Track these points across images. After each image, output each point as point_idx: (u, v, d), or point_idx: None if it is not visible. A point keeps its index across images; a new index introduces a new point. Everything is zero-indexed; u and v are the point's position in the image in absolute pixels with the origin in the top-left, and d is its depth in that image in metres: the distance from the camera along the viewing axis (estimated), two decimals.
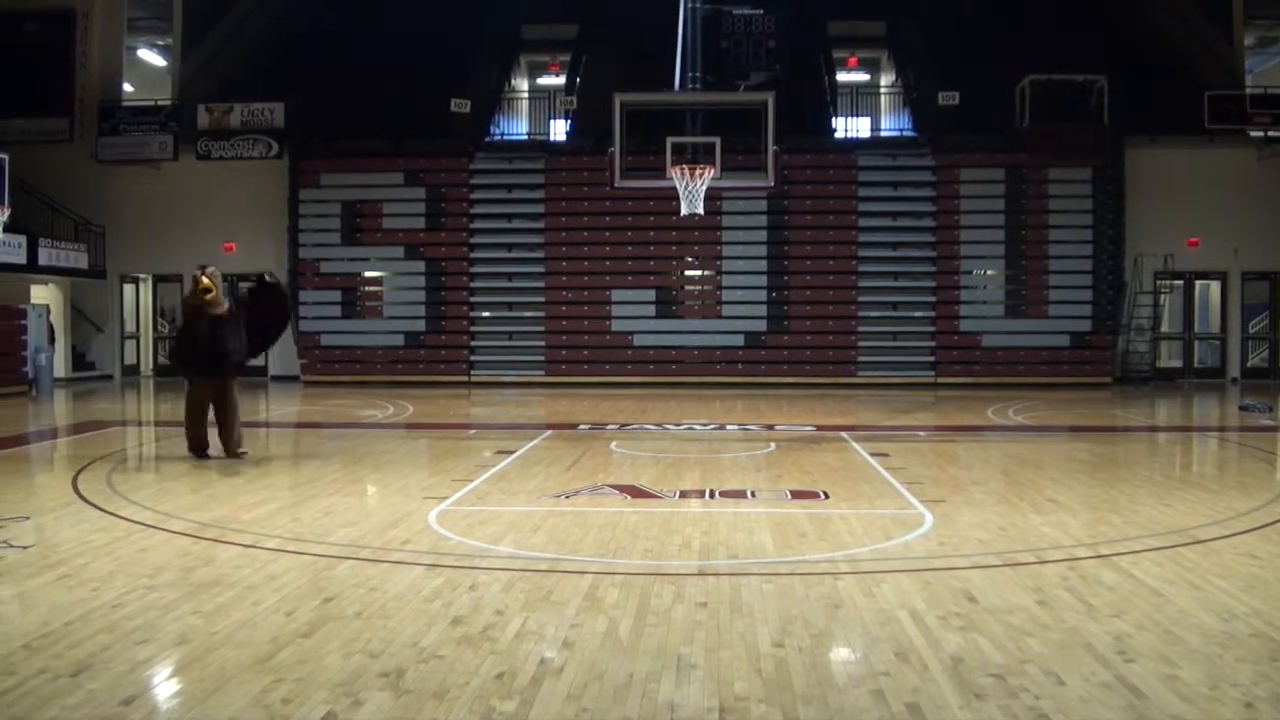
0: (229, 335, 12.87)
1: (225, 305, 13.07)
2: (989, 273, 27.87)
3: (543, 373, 27.35)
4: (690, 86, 21.30)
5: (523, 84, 32.88)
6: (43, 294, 27.42)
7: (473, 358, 27.83)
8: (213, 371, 12.87)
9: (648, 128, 21.81)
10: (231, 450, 12.89)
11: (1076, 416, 19.56)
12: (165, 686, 5.16)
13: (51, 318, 26.51)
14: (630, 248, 27.75)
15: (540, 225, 27.97)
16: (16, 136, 27.08)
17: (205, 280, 12.75)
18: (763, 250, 27.63)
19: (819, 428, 16.88)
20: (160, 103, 29.26)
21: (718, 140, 20.35)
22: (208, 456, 12.90)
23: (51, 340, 25.81)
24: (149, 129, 28.17)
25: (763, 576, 7.11)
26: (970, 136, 27.35)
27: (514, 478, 11.56)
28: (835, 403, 22.19)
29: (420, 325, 28.06)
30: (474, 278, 28.12)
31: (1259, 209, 26.87)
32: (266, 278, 14.49)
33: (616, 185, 21.02)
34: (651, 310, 27.74)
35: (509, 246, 28.08)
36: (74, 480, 11.29)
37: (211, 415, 13.10)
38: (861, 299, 27.33)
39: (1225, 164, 26.92)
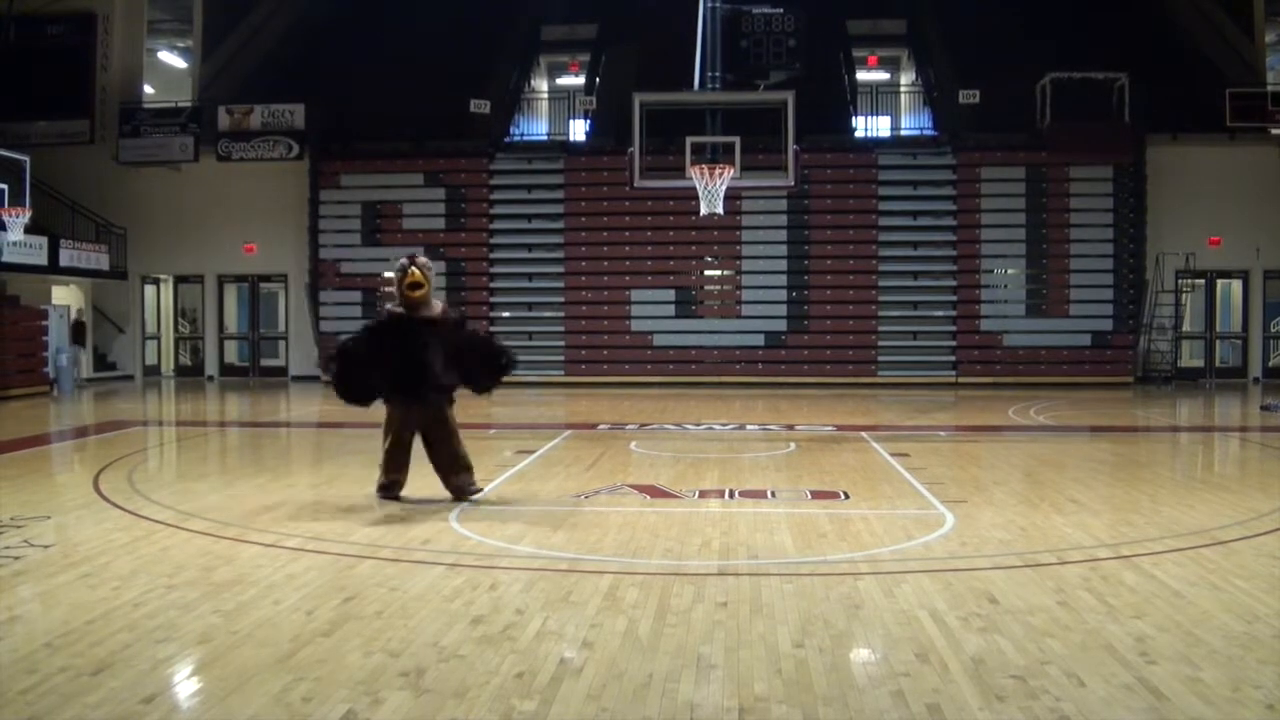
0: (435, 347, 9.96)
1: (438, 307, 10.33)
2: (1010, 272, 27.78)
3: (562, 373, 27.36)
4: (710, 86, 21.26)
5: (542, 84, 32.93)
6: (64, 295, 27.58)
7: None
8: (414, 392, 9.92)
9: (667, 127, 21.79)
10: (461, 492, 9.98)
11: (1098, 416, 19.48)
12: (186, 685, 5.19)
13: (83, 318, 26.80)
14: (650, 247, 27.74)
15: (560, 225, 28.00)
16: (38, 139, 27.34)
17: (416, 273, 10.02)
18: (782, 250, 27.59)
19: (839, 427, 16.84)
20: (181, 104, 29.43)
21: (737, 140, 20.32)
22: (398, 499, 10.04)
23: (81, 340, 26.08)
24: (170, 131, 28.32)
25: (783, 577, 7.10)
26: (991, 135, 27.29)
27: (534, 477, 11.57)
28: (855, 402, 22.14)
29: None
30: (494, 278, 28.16)
31: None
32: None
33: (636, 185, 21.01)
34: (671, 310, 27.73)
35: (529, 247, 28.12)
36: (95, 480, 11.35)
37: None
38: (882, 298, 27.27)
39: (1247, 162, 26.78)
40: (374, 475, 11.99)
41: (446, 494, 9.97)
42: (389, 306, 10.34)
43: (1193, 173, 26.71)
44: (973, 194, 27.24)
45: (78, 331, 26.41)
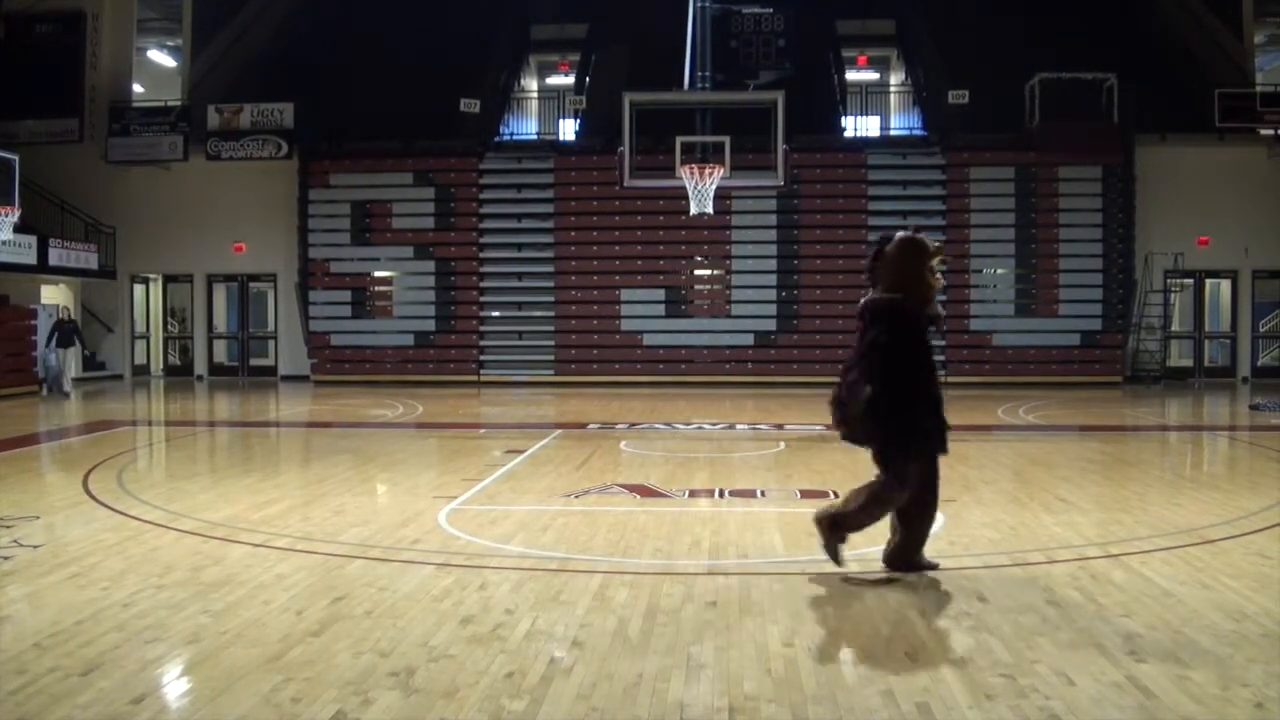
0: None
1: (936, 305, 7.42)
2: (999, 272, 27.81)
3: (552, 372, 27.36)
4: (699, 86, 21.31)
5: (532, 84, 32.90)
6: (53, 294, 27.50)
7: (482, 357, 27.85)
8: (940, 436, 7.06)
9: (657, 127, 21.84)
10: (911, 561, 7.15)
11: (1087, 416, 19.51)
12: (175, 685, 5.17)
13: (68, 316, 26.39)
14: (640, 247, 27.74)
15: (550, 225, 27.99)
16: (27, 138, 27.28)
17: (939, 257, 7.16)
18: (772, 249, 27.61)
19: (829, 427, 16.81)
20: (170, 103, 29.37)
21: (727, 139, 20.38)
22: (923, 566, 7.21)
23: (70, 342, 25.53)
24: (159, 130, 28.26)
25: (772, 576, 7.11)
26: (980, 135, 27.31)
27: (524, 477, 11.56)
28: None
29: (430, 325, 28.09)
30: (484, 277, 28.15)
31: (1269, 207, 26.78)
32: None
33: (626, 185, 21.07)
34: (661, 310, 27.73)
35: (519, 246, 28.11)
36: (84, 480, 11.31)
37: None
38: None
39: (1236, 162, 26.85)
40: (364, 475, 11.99)
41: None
42: (879, 295, 7.17)
43: (1182, 173, 26.77)
44: (962, 194, 27.28)
45: (64, 333, 24.57)
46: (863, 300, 7.25)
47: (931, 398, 7.06)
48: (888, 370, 6.90)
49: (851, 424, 7.06)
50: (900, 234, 7.27)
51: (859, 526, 7.05)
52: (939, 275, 7.29)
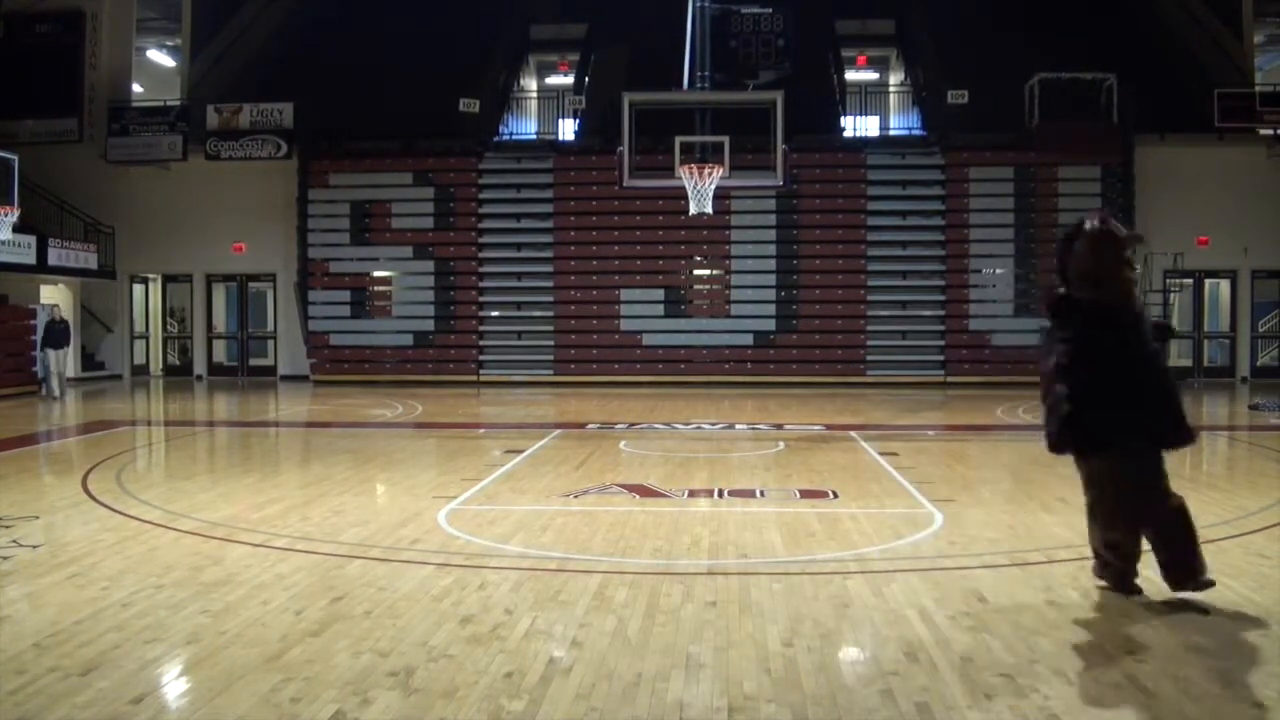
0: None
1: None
2: (998, 271, 27.76)
3: (551, 372, 27.35)
4: (699, 86, 21.27)
5: (531, 84, 32.90)
6: (52, 294, 27.49)
7: (481, 357, 27.84)
8: (1169, 430, 7.05)
9: (657, 127, 21.80)
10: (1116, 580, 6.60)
11: None
12: (174, 685, 5.17)
13: (59, 315, 26.14)
14: (639, 247, 27.73)
15: (549, 225, 27.97)
16: (27, 137, 27.30)
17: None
18: (771, 249, 27.59)
19: (828, 427, 16.85)
20: (169, 103, 29.37)
21: (726, 139, 20.35)
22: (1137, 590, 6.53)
23: (60, 343, 25.21)
24: (158, 129, 28.25)
25: (772, 576, 7.10)
26: (979, 135, 27.27)
27: (523, 477, 11.55)
28: (844, 402, 22.15)
29: (429, 325, 28.08)
30: (483, 277, 28.13)
31: (1269, 207, 26.74)
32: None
33: (625, 185, 21.04)
34: (660, 310, 27.71)
35: (518, 246, 28.09)
36: (83, 479, 11.31)
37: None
38: (870, 298, 27.27)
39: (1235, 162, 26.82)
40: (363, 475, 11.97)
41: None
42: (1069, 293, 6.84)
43: (1181, 173, 26.74)
44: (961, 194, 27.25)
45: (54, 333, 23.73)
46: (1052, 296, 6.89)
47: (1130, 394, 6.53)
48: (1075, 372, 6.54)
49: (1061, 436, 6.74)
50: (1089, 224, 6.71)
51: (1126, 555, 6.57)
52: (1135, 267, 6.70)
